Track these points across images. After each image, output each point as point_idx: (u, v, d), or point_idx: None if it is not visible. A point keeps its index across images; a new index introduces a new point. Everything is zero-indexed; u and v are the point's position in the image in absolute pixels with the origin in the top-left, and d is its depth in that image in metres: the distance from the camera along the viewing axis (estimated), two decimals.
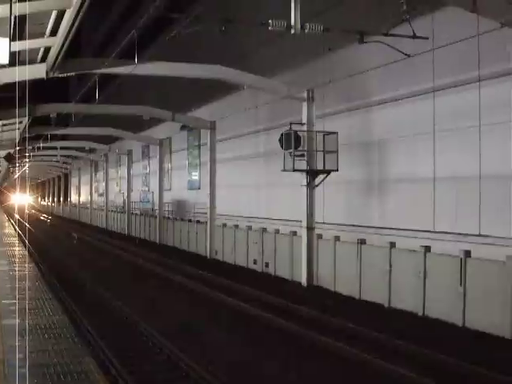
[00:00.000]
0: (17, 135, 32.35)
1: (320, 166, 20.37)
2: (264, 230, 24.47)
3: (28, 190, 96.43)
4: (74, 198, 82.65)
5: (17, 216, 34.76)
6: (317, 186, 20.83)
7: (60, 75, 19.41)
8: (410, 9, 13.67)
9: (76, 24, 13.93)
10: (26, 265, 19.99)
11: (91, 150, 57.02)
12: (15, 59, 15.81)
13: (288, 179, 22.74)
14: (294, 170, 20.16)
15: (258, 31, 17.84)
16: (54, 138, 41.94)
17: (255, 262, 24.66)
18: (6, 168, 61.35)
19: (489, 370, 10.65)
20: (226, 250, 27.64)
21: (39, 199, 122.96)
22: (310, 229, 20.87)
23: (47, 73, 18.57)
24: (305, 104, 21.15)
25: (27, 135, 33.74)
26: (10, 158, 46.49)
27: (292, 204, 23.20)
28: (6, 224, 47.63)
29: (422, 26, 15.89)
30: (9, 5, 10.27)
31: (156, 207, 40.91)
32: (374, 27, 16.15)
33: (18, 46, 14.27)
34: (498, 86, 15.66)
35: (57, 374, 8.28)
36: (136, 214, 46.37)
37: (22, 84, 20.85)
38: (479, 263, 14.23)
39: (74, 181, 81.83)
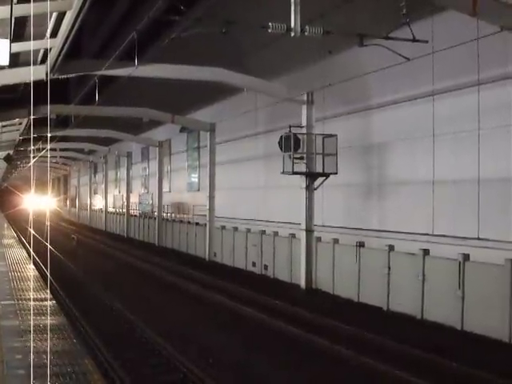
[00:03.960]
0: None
1: (319, 169, 20.38)
2: (263, 232, 24.48)
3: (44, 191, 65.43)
4: (73, 199, 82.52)
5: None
6: (316, 188, 20.83)
7: (60, 77, 19.41)
8: (409, 12, 13.70)
9: (76, 25, 13.94)
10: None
11: (90, 152, 56.92)
12: (16, 61, 15.86)
13: (287, 182, 22.73)
14: (294, 173, 20.16)
15: (258, 34, 17.85)
16: (53, 139, 41.87)
17: (254, 264, 24.65)
18: (5, 169, 61.15)
19: (488, 373, 10.65)
20: (225, 252, 27.63)
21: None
22: (308, 231, 20.87)
23: (47, 74, 18.56)
24: (304, 107, 21.16)
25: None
26: (9, 159, 46.47)
27: (291, 207, 23.20)
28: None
29: (421, 29, 15.91)
30: (9, 6, 10.30)
31: (155, 209, 40.92)
32: (374, 30, 16.17)
33: (18, 47, 14.30)
34: (497, 90, 15.70)
35: (56, 375, 8.28)
36: (135, 216, 46.33)
37: (21, 85, 20.93)
38: (478, 266, 14.23)
39: (73, 182, 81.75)
